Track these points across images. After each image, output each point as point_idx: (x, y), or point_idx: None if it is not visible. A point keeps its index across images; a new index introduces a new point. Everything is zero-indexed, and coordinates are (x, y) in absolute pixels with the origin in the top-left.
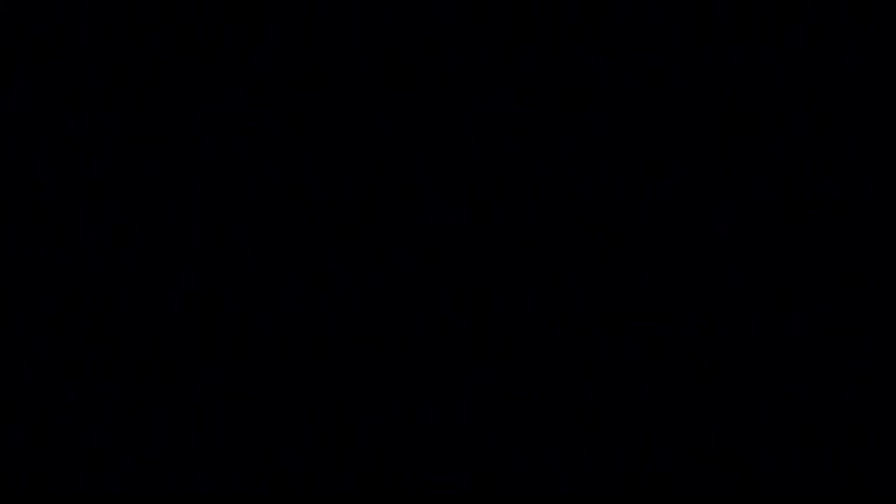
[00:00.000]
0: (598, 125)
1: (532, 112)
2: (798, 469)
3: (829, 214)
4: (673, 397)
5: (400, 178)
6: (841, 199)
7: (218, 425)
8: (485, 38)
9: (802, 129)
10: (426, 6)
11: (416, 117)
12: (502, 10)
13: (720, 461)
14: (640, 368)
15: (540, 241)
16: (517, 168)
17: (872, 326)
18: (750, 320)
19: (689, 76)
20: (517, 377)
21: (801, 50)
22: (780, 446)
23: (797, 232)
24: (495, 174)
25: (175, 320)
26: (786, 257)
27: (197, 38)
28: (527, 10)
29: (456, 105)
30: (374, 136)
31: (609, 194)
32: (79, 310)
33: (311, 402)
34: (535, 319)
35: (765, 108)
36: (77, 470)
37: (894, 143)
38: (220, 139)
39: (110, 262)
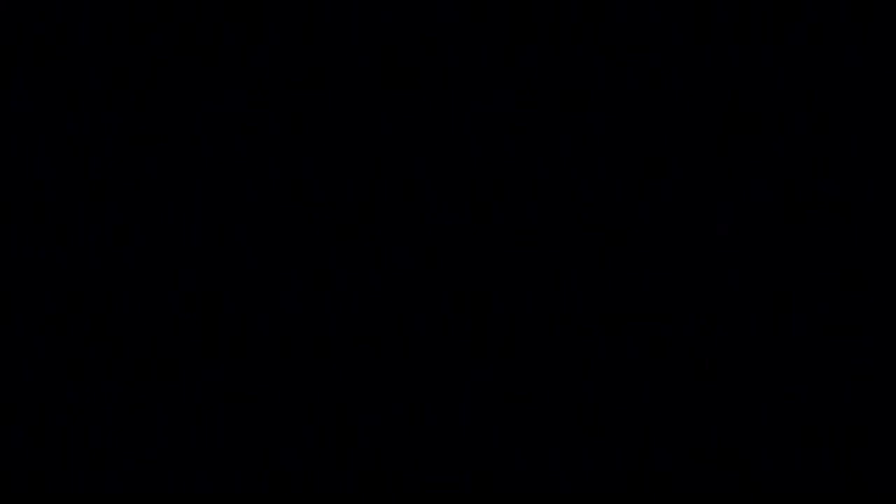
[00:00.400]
0: (598, 125)
1: (532, 112)
2: (798, 469)
3: (829, 214)
4: (673, 397)
5: (400, 178)
6: (841, 199)
7: (218, 425)
8: (485, 38)
9: (802, 129)
10: (426, 6)
11: (416, 117)
12: (502, 10)
13: (720, 461)
14: (640, 368)
15: (540, 241)
16: (517, 168)
17: (872, 326)
18: (750, 320)
19: (689, 76)
20: (517, 377)
21: (801, 50)
22: (780, 446)
23: (797, 232)
24: (495, 174)
25: (175, 320)
26: (786, 257)
27: (197, 38)
28: (527, 10)
29: (456, 105)
30: (374, 136)
31: (609, 194)
32: (79, 310)
33: (311, 402)
34: (535, 319)
35: (765, 108)
36: (77, 470)
37: (894, 143)
38: (220, 139)
39: (110, 262)
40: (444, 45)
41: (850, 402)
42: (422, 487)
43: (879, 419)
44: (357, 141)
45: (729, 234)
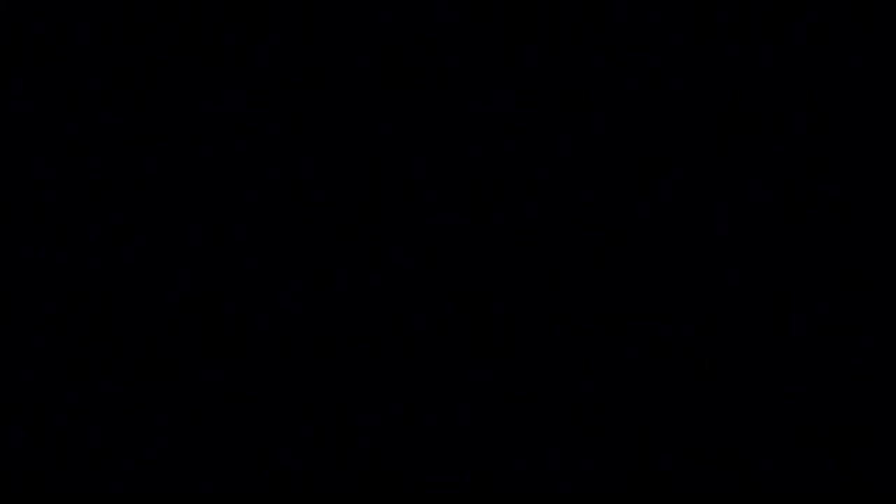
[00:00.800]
0: (598, 125)
1: (532, 112)
2: (798, 469)
3: (829, 214)
4: (673, 397)
5: (400, 178)
6: (841, 199)
7: (218, 425)
8: (485, 38)
9: (802, 129)
10: (426, 6)
11: (416, 117)
12: (502, 10)
13: (720, 461)
14: (640, 368)
15: (540, 241)
16: (517, 168)
17: (872, 326)
18: (750, 320)
19: (689, 76)
20: (517, 377)
21: (801, 50)
22: (780, 446)
23: (797, 232)
24: (495, 174)
25: (175, 320)
26: (786, 257)
27: (197, 38)
28: (527, 10)
29: (456, 105)
30: (374, 136)
31: (609, 194)
32: (79, 310)
33: (311, 402)
34: (535, 319)
35: (765, 108)
36: (77, 470)
37: (894, 143)
38: (220, 139)
39: (110, 262)
40: (444, 45)
41: (850, 402)
42: (422, 487)
43: (879, 419)
44: (357, 141)
45: (729, 234)
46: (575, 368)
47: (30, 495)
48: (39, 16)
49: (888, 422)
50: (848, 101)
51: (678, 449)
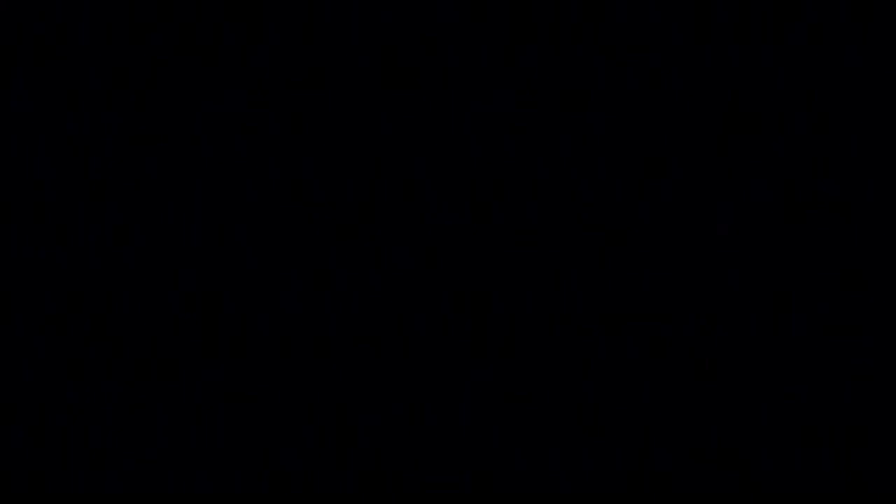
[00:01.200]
0: (598, 125)
1: (532, 112)
2: (798, 469)
3: (829, 214)
4: (673, 397)
5: (400, 178)
6: (841, 199)
7: (218, 425)
8: (485, 38)
9: (802, 129)
10: (426, 6)
11: (416, 117)
12: (502, 10)
13: (720, 461)
14: (640, 368)
15: (540, 241)
16: (517, 168)
17: (872, 326)
18: (750, 320)
19: (689, 76)
20: (517, 377)
21: (801, 50)
22: (780, 446)
23: (797, 232)
24: (495, 174)
25: (175, 320)
26: (786, 257)
27: (197, 38)
28: (527, 10)
29: (456, 105)
30: (374, 136)
31: (609, 194)
32: (79, 310)
33: (311, 402)
34: (535, 319)
35: (765, 108)
36: (77, 470)
37: (894, 143)
38: (220, 139)
39: (110, 262)
40: (444, 45)
41: (850, 402)
42: (422, 487)
43: (879, 419)
44: (357, 141)
45: (729, 234)
46: (575, 368)
47: (30, 495)
48: (39, 16)
49: (888, 422)
50: (848, 101)
51: (678, 449)
